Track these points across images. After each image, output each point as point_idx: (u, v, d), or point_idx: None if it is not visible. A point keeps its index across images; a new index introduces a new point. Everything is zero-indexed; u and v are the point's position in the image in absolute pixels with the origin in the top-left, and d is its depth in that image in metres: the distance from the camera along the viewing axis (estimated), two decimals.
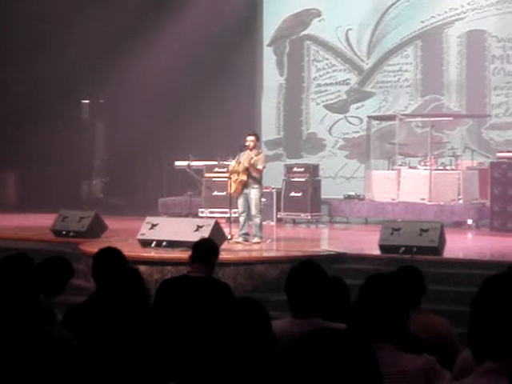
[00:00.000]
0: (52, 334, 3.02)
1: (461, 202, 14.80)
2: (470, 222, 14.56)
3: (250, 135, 11.88)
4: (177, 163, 17.20)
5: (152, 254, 10.23)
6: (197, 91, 18.55)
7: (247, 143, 11.70)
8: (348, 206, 16.05)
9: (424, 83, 18.23)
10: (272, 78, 19.94)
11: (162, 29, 18.18)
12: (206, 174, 16.14)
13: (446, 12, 17.99)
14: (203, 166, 16.35)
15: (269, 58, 20.04)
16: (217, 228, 10.55)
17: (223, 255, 8.55)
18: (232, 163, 11.85)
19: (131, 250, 9.72)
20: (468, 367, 3.24)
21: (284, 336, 3.44)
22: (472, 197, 14.92)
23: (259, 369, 2.83)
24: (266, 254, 10.96)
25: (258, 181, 11.69)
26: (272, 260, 10.29)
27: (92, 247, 9.88)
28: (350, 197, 16.38)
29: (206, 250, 5.99)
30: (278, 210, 15.75)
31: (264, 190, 13.26)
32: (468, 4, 17.79)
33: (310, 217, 15.74)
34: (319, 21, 19.45)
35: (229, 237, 11.42)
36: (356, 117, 18.88)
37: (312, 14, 19.53)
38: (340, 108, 19.14)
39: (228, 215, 12.29)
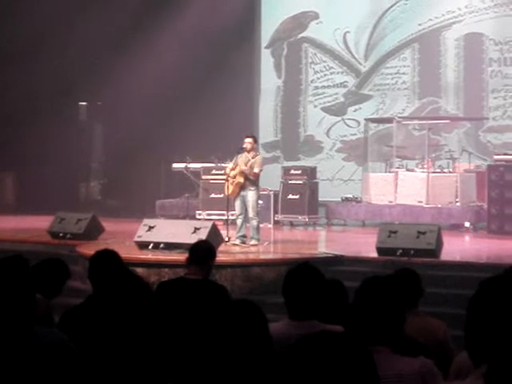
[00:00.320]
0: (48, 337, 3.02)
1: (458, 204, 14.81)
2: (467, 224, 14.57)
3: (247, 137, 11.90)
4: (174, 165, 17.19)
5: (149, 256, 10.21)
6: (195, 93, 18.55)
7: (245, 145, 11.71)
8: (345, 208, 16.05)
9: (421, 86, 18.25)
10: (270, 80, 19.95)
11: (160, 31, 18.18)
12: (204, 176, 16.13)
13: (443, 15, 18.02)
14: (201, 168, 16.35)
15: (266, 61, 20.05)
16: (214, 230, 10.55)
17: (220, 257, 8.56)
18: (229, 165, 11.86)
19: (128, 252, 9.71)
20: (465, 370, 3.24)
21: (281, 338, 3.44)
22: (469, 199, 14.94)
23: (256, 371, 2.83)
24: (263, 257, 10.96)
25: (255, 183, 11.69)
26: (269, 262, 10.29)
27: (89, 249, 9.87)
28: (347, 199, 16.38)
29: (203, 252, 5.99)
30: (276, 212, 15.74)
31: (261, 193, 13.27)
32: (465, 7, 17.82)
33: (307, 219, 15.73)
34: (317, 23, 19.47)
35: (226, 239, 11.41)
36: (353, 119, 18.89)
37: (310, 16, 19.54)
38: (337, 110, 19.15)
39: (225, 217, 12.28)
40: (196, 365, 2.99)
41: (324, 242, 14.13)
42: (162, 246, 10.44)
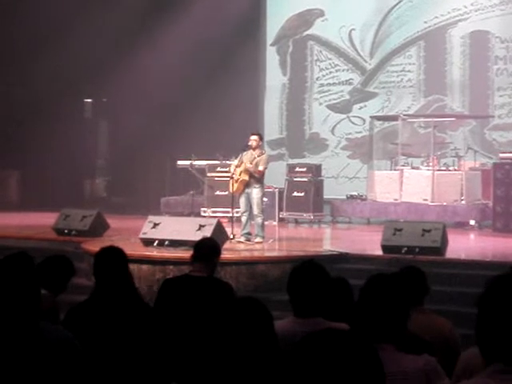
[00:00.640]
0: (53, 334, 3.02)
1: (463, 202, 14.79)
2: (472, 222, 14.55)
3: (253, 134, 11.89)
4: (179, 162, 17.20)
5: (154, 253, 10.22)
6: (200, 90, 18.55)
7: (250, 142, 11.70)
8: (350, 206, 16.04)
9: (427, 84, 18.22)
10: (275, 77, 19.94)
11: (165, 28, 18.18)
12: (209, 174, 16.14)
13: (449, 12, 17.98)
14: (206, 166, 16.35)
15: (272, 58, 20.04)
16: (219, 227, 10.54)
17: (225, 255, 8.56)
18: (234, 162, 11.85)
19: (133, 249, 9.73)
20: (471, 366, 3.24)
21: (286, 336, 3.44)
22: (474, 197, 14.91)
23: (261, 369, 2.82)
24: (267, 254, 10.96)
25: (260, 180, 11.68)
26: (274, 260, 10.28)
27: (94, 246, 9.86)
28: (352, 197, 16.37)
29: (208, 249, 5.98)
30: (281, 209, 15.75)
31: (266, 190, 13.26)
32: (471, 4, 17.78)
33: (312, 217, 15.74)
34: (322, 21, 19.45)
35: (231, 236, 11.41)
36: (359, 117, 18.87)
37: (315, 13, 19.52)
38: (343, 108, 19.14)
39: (230, 215, 12.28)
40: (201, 363, 2.99)
41: (329, 240, 14.11)
42: (166, 243, 10.45)
